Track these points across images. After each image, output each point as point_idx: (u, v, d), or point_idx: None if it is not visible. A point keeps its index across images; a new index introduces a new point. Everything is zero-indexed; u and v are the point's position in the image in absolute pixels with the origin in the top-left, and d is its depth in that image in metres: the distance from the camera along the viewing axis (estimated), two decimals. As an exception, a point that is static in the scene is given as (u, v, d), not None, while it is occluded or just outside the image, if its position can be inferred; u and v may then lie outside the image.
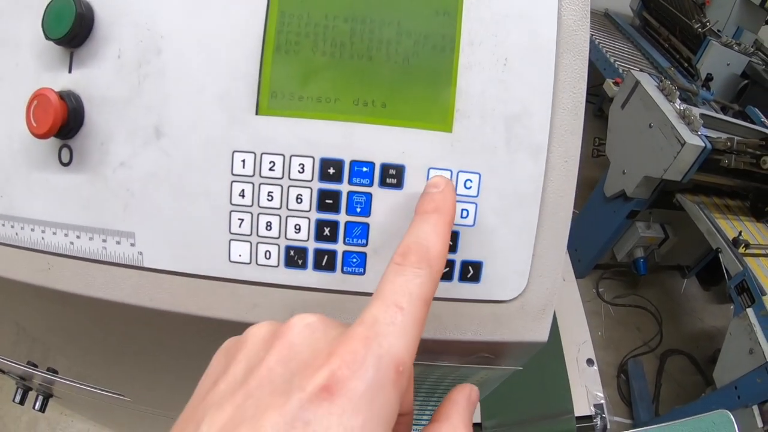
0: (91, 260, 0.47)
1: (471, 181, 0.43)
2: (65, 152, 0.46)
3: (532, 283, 0.46)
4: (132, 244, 0.46)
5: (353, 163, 0.43)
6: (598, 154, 2.50)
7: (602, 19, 3.57)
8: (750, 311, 1.82)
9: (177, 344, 0.58)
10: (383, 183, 0.43)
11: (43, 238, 0.47)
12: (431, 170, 0.43)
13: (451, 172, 0.43)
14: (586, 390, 1.10)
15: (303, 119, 0.43)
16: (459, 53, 0.42)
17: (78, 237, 0.47)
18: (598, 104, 3.62)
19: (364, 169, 0.43)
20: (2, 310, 0.66)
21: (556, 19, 0.43)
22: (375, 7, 0.42)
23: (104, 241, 0.46)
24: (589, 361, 1.15)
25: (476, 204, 0.44)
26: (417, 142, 0.43)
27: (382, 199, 0.43)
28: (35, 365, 0.89)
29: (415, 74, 0.42)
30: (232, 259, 0.44)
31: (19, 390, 1.12)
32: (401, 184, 0.43)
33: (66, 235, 0.47)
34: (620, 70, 2.69)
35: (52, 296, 0.49)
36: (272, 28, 0.42)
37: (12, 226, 0.48)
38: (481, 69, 0.43)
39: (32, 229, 0.48)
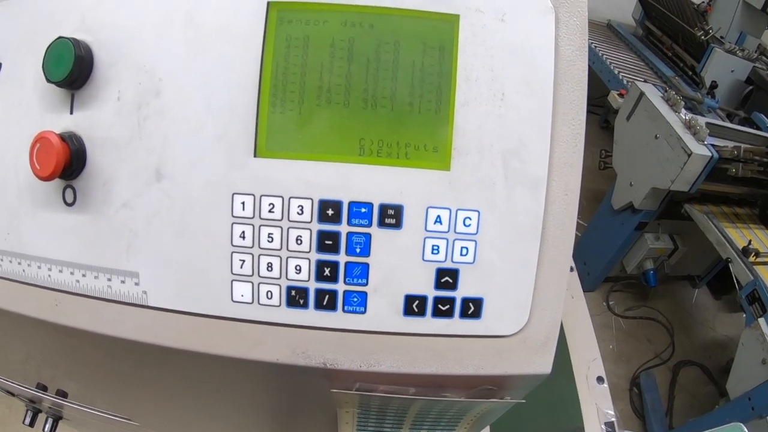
0: (98, 298, 0.47)
1: (470, 219, 0.43)
2: (69, 192, 0.46)
3: (533, 316, 0.46)
4: (136, 284, 0.46)
5: (352, 204, 0.43)
6: (605, 167, 2.49)
7: (605, 30, 3.58)
8: (762, 321, 1.80)
9: (181, 376, 0.58)
10: (382, 223, 0.43)
11: (49, 276, 0.48)
12: (430, 209, 0.43)
13: (450, 210, 0.43)
14: (597, 408, 1.09)
15: (301, 161, 0.43)
16: (455, 90, 0.43)
17: (84, 275, 0.47)
18: (603, 115, 3.62)
19: (363, 209, 0.43)
20: (12, 339, 0.67)
21: (553, 50, 0.44)
22: (371, 47, 0.43)
23: (109, 279, 0.47)
24: (599, 379, 1.15)
25: (476, 241, 0.44)
26: (415, 181, 0.43)
27: (382, 239, 0.44)
28: (45, 388, 0.89)
29: (412, 114, 0.43)
30: (234, 299, 0.45)
31: (29, 412, 1.13)
32: (400, 224, 0.43)
33: (72, 273, 0.47)
34: (624, 81, 2.69)
35: (60, 330, 0.50)
36: (268, 70, 0.43)
37: (19, 263, 0.49)
38: (477, 105, 0.43)
39: (39, 267, 0.48)
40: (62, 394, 0.90)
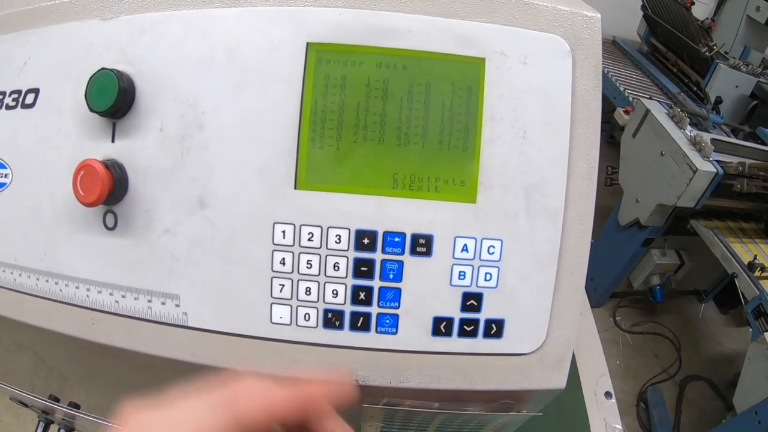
0: (136, 318, 0.50)
1: (494, 247, 0.47)
2: (110, 217, 0.49)
3: (550, 336, 0.49)
4: (177, 305, 0.49)
5: (386, 233, 0.46)
6: (611, 183, 2.50)
7: (610, 47, 3.59)
8: (768, 335, 1.81)
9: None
10: (414, 251, 0.46)
11: (87, 296, 0.50)
12: (457, 238, 0.46)
13: (476, 239, 0.47)
14: (605, 423, 1.11)
15: (338, 193, 0.46)
16: (482, 128, 0.46)
17: (123, 296, 0.49)
18: (609, 131, 3.64)
19: (396, 239, 0.46)
20: (33, 352, 0.69)
21: (570, 91, 0.47)
22: (404, 88, 0.46)
23: (149, 301, 0.49)
24: (608, 394, 1.16)
25: (499, 268, 0.47)
26: (444, 213, 0.46)
27: (413, 265, 0.47)
28: (57, 399, 0.91)
29: (442, 150, 0.46)
30: (273, 321, 0.48)
31: (41, 423, 1.14)
32: (430, 252, 0.46)
33: (111, 294, 0.50)
34: (630, 98, 2.71)
35: (91, 346, 0.52)
36: (308, 108, 0.45)
37: (56, 283, 0.51)
38: (502, 142, 0.46)
39: (77, 287, 0.50)
40: (75, 405, 0.92)
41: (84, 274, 0.50)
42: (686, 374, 2.63)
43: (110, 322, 0.50)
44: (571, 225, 0.48)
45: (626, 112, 2.47)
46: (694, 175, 1.91)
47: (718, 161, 1.96)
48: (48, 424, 1.13)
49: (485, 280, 0.47)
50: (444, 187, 0.46)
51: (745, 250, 2.09)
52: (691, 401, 2.55)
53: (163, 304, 0.49)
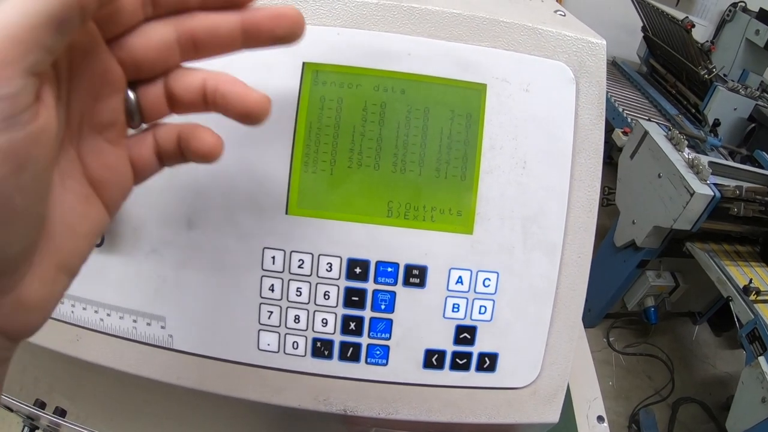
0: (121, 337, 0.48)
1: (489, 280, 0.45)
2: (98, 233, 0.47)
3: (544, 370, 0.48)
4: (162, 327, 0.47)
5: (379, 263, 0.45)
6: (608, 203, 2.50)
7: (610, 68, 3.60)
8: (762, 359, 1.79)
9: (197, 413, 0.59)
10: (407, 282, 0.45)
11: (72, 312, 0.49)
12: (452, 270, 0.45)
13: (471, 271, 0.45)
14: (598, 447, 1.10)
15: (331, 220, 0.45)
16: (480, 158, 0.45)
17: (108, 315, 0.48)
18: (607, 151, 3.65)
19: (389, 269, 0.45)
20: (20, 359, 0.68)
21: (573, 120, 0.46)
22: (402, 113, 0.44)
23: (135, 321, 0.48)
24: (600, 418, 1.15)
25: (494, 301, 0.46)
26: (439, 244, 0.45)
27: (406, 297, 0.45)
28: (43, 404, 0.90)
29: (439, 179, 0.45)
30: (260, 348, 0.46)
31: (26, 428, 1.13)
32: (424, 283, 0.45)
33: (96, 311, 0.48)
34: (629, 119, 2.71)
35: (76, 362, 0.50)
36: (302, 130, 0.44)
37: (41, 297, 0.50)
38: (501, 173, 0.45)
39: (62, 302, 0.49)
40: (62, 411, 0.91)
41: (69, 290, 0.48)
42: (679, 396, 2.62)
43: (95, 340, 0.49)
44: (569, 258, 0.46)
45: (624, 133, 2.47)
46: (691, 197, 1.91)
47: (715, 184, 1.96)
48: (33, 429, 1.12)
49: (479, 313, 0.46)
50: (440, 217, 0.45)
51: (741, 274, 2.08)
52: (684, 424, 2.53)
53: (149, 325, 0.48)
